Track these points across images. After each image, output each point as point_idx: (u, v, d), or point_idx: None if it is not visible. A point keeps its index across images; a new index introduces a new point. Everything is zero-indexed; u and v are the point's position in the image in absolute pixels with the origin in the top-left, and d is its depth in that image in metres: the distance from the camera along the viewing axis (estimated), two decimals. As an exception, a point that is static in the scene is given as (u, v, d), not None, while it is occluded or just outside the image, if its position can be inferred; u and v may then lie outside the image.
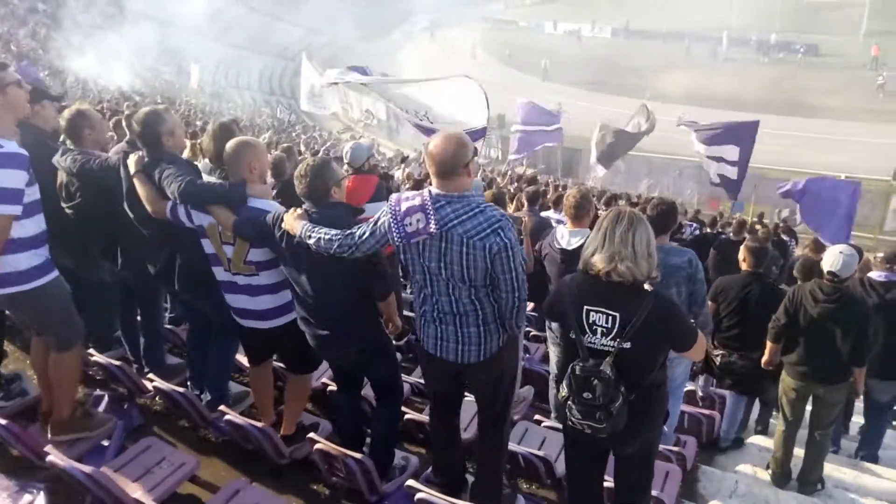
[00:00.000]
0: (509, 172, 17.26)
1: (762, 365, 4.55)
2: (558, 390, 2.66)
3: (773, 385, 4.76)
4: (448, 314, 2.78)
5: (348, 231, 2.79)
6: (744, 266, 4.93)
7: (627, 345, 2.47)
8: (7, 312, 3.72)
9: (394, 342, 3.57)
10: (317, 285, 3.04)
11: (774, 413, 5.28)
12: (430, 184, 2.70)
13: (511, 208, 7.75)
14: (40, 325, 3.32)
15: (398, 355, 4.55)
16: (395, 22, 47.12)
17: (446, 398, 3.20)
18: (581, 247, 2.74)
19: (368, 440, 3.52)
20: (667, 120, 24.56)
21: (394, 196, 2.74)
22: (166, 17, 36.67)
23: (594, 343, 2.54)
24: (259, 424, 3.35)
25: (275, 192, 4.58)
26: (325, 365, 3.87)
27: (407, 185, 9.26)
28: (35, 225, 3.01)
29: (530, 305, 5.43)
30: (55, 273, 3.14)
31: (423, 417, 3.78)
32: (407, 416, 3.79)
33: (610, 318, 2.49)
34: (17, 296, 3.00)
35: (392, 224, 2.65)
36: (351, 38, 41.47)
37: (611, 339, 2.50)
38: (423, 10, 49.51)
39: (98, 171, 3.54)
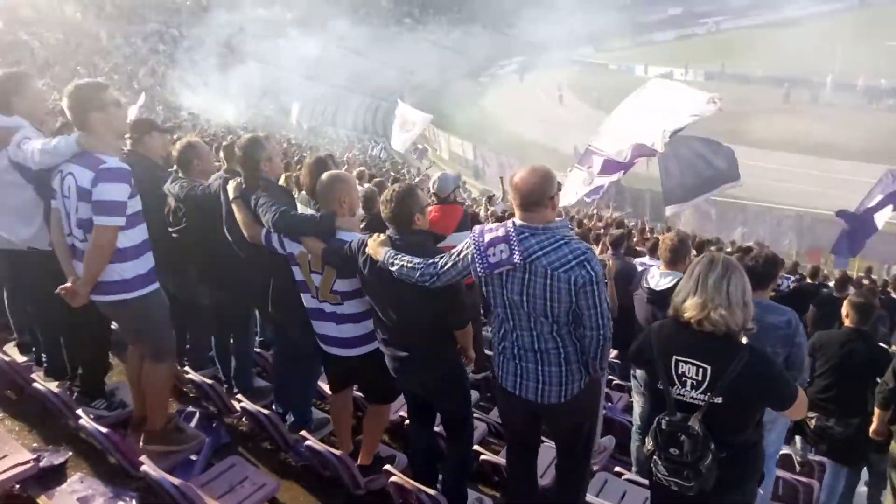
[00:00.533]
0: (595, 213, 17.00)
1: (871, 434, 4.19)
2: (642, 443, 2.57)
3: (882, 456, 4.37)
4: (528, 351, 2.75)
5: (431, 260, 2.82)
6: (847, 322, 4.59)
7: (719, 400, 2.35)
8: (113, 326, 3.99)
9: (470, 378, 3.56)
10: (397, 310, 3.09)
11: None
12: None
13: (596, 250, 7.63)
14: (138, 333, 3.49)
15: (475, 393, 4.53)
16: (485, 65, 48.04)
17: (524, 439, 3.14)
18: (671, 288, 2.66)
19: (441, 476, 3.50)
20: (765, 167, 23.75)
21: (477, 227, 2.76)
22: (271, 59, 39.09)
23: (683, 396, 2.44)
24: (337, 452, 3.41)
25: (363, 224, 4.73)
26: (402, 398, 3.91)
27: (490, 222, 9.32)
28: (138, 234, 3.20)
29: (613, 353, 5.30)
30: (157, 285, 3.33)
31: (500, 459, 3.73)
32: (482, 457, 3.75)
33: (701, 370, 2.39)
34: (121, 303, 3.20)
35: (475, 255, 2.66)
36: (442, 81, 42.62)
37: (701, 393, 2.39)
38: (514, 54, 50.38)
39: (201, 197, 3.79)
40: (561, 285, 2.55)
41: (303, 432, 3.54)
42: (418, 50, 46.06)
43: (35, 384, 3.78)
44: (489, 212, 11.23)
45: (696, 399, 2.40)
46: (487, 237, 2.65)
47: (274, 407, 4.02)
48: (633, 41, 52.41)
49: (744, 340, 2.43)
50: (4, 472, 3.09)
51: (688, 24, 55.58)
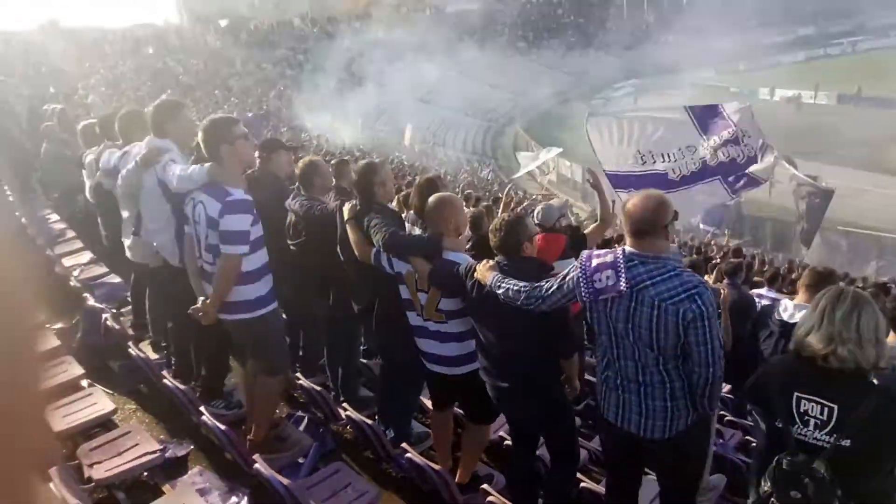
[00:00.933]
0: (712, 242, 16.21)
1: None
2: (758, 484, 2.41)
3: None
4: (632, 382, 2.66)
5: (536, 284, 2.81)
6: None
7: (846, 442, 2.17)
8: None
9: (573, 406, 3.51)
10: (501, 337, 3.10)
11: None
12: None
13: (710, 279, 7.29)
14: (255, 349, 3.75)
15: (577, 419, 4.45)
16: (598, 88, 47.40)
17: (625, 472, 3.05)
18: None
19: (541, 501, 3.45)
20: (904, 196, 21.76)
21: (585, 252, 2.73)
22: (388, 82, 40.64)
23: (805, 436, 2.26)
24: (437, 467, 3.45)
25: (469, 244, 4.81)
26: (503, 417, 3.90)
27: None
28: (259, 259, 3.45)
29: (726, 387, 5.02)
30: (275, 304, 3.58)
31: (600, 488, 3.63)
32: (583, 485, 3.66)
33: (826, 409, 2.21)
34: (243, 322, 3.46)
35: (581, 279, 2.63)
36: (553, 103, 42.49)
37: (826, 434, 2.21)
38: (629, 77, 49.38)
39: (320, 216, 4.00)
40: (668, 318, 2.46)
41: (404, 445, 3.62)
42: (531, 73, 46.29)
43: (165, 381, 4.11)
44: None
45: (819, 440, 2.23)
46: (594, 262, 2.61)
47: (377, 419, 4.14)
48: (758, 63, 49.89)
49: (875, 381, 2.24)
50: (135, 459, 3.38)
51: (820, 45, 52.27)
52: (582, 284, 2.62)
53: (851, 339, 2.18)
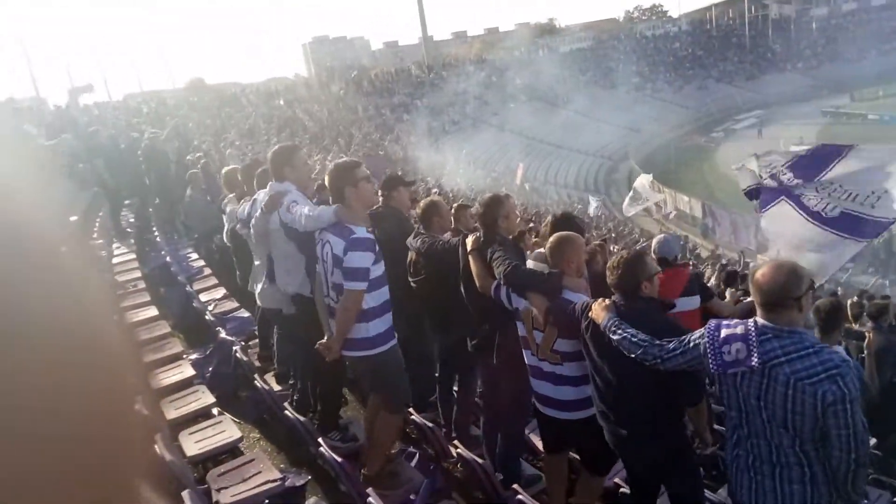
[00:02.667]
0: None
1: None
2: None
3: None
4: (766, 463, 2.48)
5: (658, 342, 2.68)
6: None
7: None
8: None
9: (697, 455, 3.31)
10: (617, 381, 2.99)
11: None
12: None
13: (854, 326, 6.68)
14: (375, 385, 3.86)
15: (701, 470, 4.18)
16: (719, 120, 45.55)
17: None
18: None
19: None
20: None
21: (713, 321, 2.59)
22: (499, 122, 41.30)
23: None
24: (548, 513, 3.36)
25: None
26: (620, 463, 3.75)
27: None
28: (380, 296, 3.56)
29: (872, 441, 4.54)
30: (394, 341, 3.68)
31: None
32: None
33: None
34: (364, 359, 3.58)
35: (709, 349, 2.49)
36: (669, 137, 41.23)
37: None
38: (751, 108, 47.11)
39: (441, 251, 4.10)
40: (806, 398, 2.28)
41: (515, 486, 3.55)
42: (646, 109, 45.36)
43: (286, 412, 4.31)
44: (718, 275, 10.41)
45: None
46: (724, 332, 2.47)
47: (485, 458, 4.10)
48: (899, 88, 45.94)
49: None
50: (258, 486, 3.55)
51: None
52: (710, 355, 2.48)
53: None
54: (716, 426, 4.83)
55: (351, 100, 39.23)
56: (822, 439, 2.33)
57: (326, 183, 3.62)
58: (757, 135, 39.58)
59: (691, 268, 8.07)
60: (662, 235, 5.22)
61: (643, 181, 19.31)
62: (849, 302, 9.50)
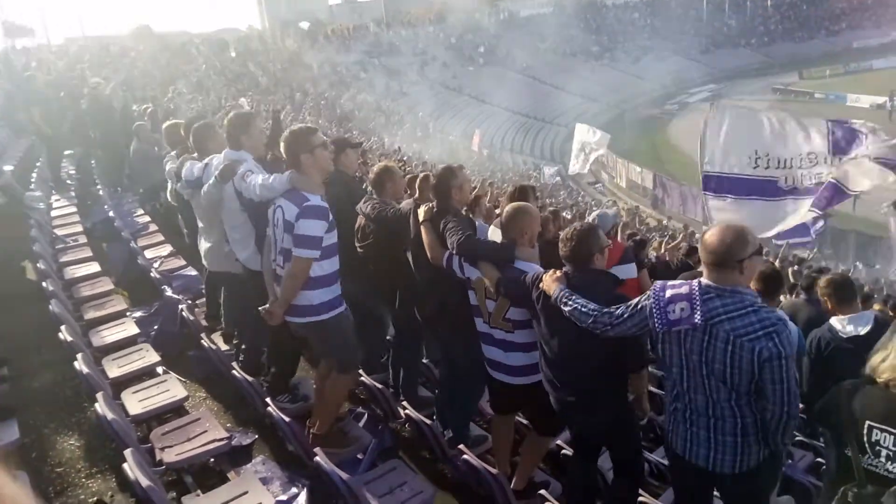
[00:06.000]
0: (790, 256, 15.43)
1: None
2: None
3: None
4: (702, 416, 2.59)
5: (606, 309, 2.74)
6: None
7: None
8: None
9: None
10: (566, 349, 3.05)
11: None
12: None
13: (789, 299, 6.97)
14: (325, 350, 3.86)
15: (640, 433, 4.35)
16: (673, 93, 46.16)
17: (693, 502, 2.97)
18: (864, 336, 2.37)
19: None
20: None
21: (659, 282, 2.65)
22: (457, 86, 40.93)
23: (876, 467, 2.14)
24: (494, 471, 3.45)
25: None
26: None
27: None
28: (330, 266, 3.52)
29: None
30: (342, 307, 3.66)
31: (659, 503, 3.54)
32: (641, 500, 3.57)
33: None
34: (310, 325, 3.56)
35: (654, 309, 2.56)
36: (625, 107, 41.65)
37: None
38: (707, 81, 47.86)
39: (392, 218, 4.06)
40: (744, 354, 2.38)
41: (461, 446, 3.63)
42: (602, 78, 45.59)
43: (234, 372, 4.27)
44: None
45: (891, 473, 2.10)
46: (669, 293, 2.55)
47: (435, 419, 4.17)
48: (846, 68, 47.39)
49: None
50: (204, 445, 3.54)
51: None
52: (655, 315, 2.56)
53: None
54: (652, 388, 5.03)
55: (306, 55, 38.13)
56: (757, 393, 2.45)
57: (282, 149, 3.52)
58: (709, 107, 40.28)
59: (639, 238, 8.29)
60: (599, 210, 5.38)
61: (581, 129, 19.24)
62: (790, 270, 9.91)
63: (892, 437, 2.11)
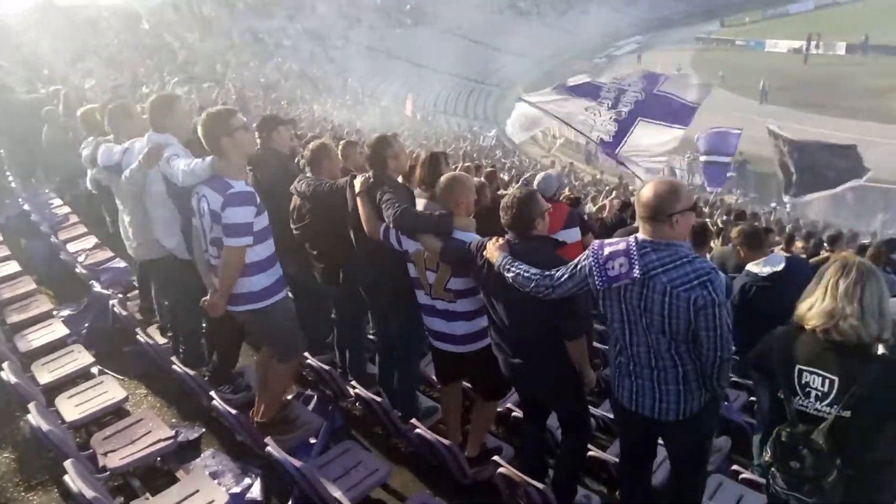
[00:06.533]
0: (717, 203, 16.05)
1: None
2: (761, 453, 2.44)
3: None
4: (645, 368, 2.69)
5: (547, 272, 2.78)
6: None
7: (847, 413, 2.18)
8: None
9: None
10: (512, 315, 3.10)
11: None
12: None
13: (717, 244, 7.24)
14: (266, 338, 3.77)
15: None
16: (601, 47, 46.60)
17: (639, 453, 3.09)
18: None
19: (551, 472, 3.50)
20: (914, 147, 21.46)
21: (597, 241, 2.71)
22: (386, 48, 40.10)
23: (806, 407, 2.28)
24: (446, 442, 3.49)
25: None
26: (512, 389, 3.93)
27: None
28: (265, 249, 3.42)
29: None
30: (283, 293, 3.57)
31: (608, 456, 3.67)
32: (590, 454, 3.70)
33: (827, 381, 2.22)
34: (251, 312, 3.47)
35: (594, 267, 2.62)
36: (554, 63, 41.81)
37: (826, 405, 2.23)
38: (631, 34, 48.47)
39: (328, 193, 3.96)
40: (680, 304, 2.47)
41: (413, 420, 3.65)
42: (531, 34, 45.50)
43: (174, 366, 4.15)
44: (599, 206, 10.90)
45: (820, 412, 2.24)
46: (607, 250, 2.60)
47: (383, 396, 4.17)
48: (763, 14, 48.84)
49: (880, 350, 2.23)
50: (149, 446, 3.44)
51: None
52: (595, 273, 2.62)
53: (854, 313, 2.18)
54: (595, 344, 5.18)
55: (224, 23, 36.50)
56: (694, 340, 2.55)
57: (200, 134, 3.34)
58: (637, 60, 40.99)
59: (574, 196, 8.41)
60: (543, 173, 5.38)
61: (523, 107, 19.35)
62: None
63: (820, 378, 2.24)
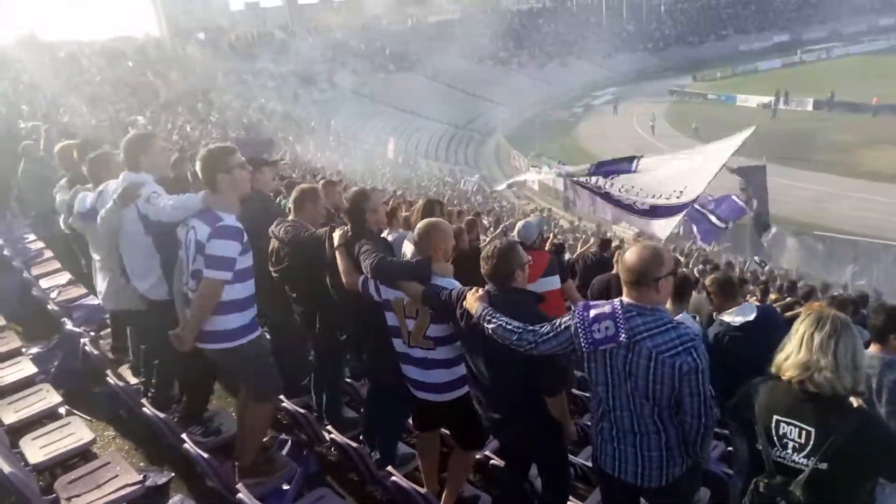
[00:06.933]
0: (692, 252, 16.29)
1: None
2: (740, 501, 2.44)
3: None
4: (628, 433, 2.68)
5: (531, 327, 2.76)
6: None
7: (824, 465, 2.19)
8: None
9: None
10: (490, 367, 3.07)
11: None
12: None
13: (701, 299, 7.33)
14: (241, 375, 3.70)
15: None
16: (578, 97, 47.83)
17: None
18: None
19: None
20: (879, 200, 22.13)
21: (582, 302, 2.73)
22: (369, 93, 40.71)
23: (784, 458, 2.29)
24: (422, 490, 3.43)
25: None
26: (491, 437, 3.89)
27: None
28: (245, 290, 3.39)
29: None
30: (258, 332, 3.53)
31: (587, 508, 3.64)
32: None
33: (804, 432, 2.24)
34: (225, 351, 3.42)
35: (579, 329, 2.61)
36: (534, 111, 42.73)
37: (804, 457, 2.24)
38: (608, 85, 49.90)
39: (307, 240, 3.97)
40: (665, 370, 2.48)
41: (389, 467, 3.59)
42: (511, 83, 46.61)
43: (144, 408, 4.04)
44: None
45: (797, 463, 2.26)
46: (593, 312, 2.60)
47: (361, 441, 4.11)
48: (734, 70, 50.69)
49: (854, 403, 2.27)
50: (115, 491, 3.32)
51: (795, 52, 53.31)
52: (581, 334, 2.61)
53: (828, 366, 2.20)
54: (575, 391, 5.17)
55: (209, 63, 36.85)
56: (677, 407, 2.56)
57: (198, 169, 3.35)
58: (613, 111, 42.09)
59: (558, 242, 8.54)
60: (524, 221, 5.42)
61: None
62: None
63: (797, 429, 2.25)
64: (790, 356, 2.30)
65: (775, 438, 2.31)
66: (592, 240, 10.77)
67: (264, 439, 3.89)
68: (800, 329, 2.32)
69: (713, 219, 13.26)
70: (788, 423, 2.28)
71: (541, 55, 53.00)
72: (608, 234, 13.71)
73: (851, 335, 2.26)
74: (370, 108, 39.29)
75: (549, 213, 22.21)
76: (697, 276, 9.43)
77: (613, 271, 6.16)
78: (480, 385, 3.17)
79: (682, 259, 13.87)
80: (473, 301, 2.96)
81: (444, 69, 45.87)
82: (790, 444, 2.27)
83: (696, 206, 9.79)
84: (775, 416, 2.31)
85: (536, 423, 3.12)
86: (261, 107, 32.09)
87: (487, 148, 38.36)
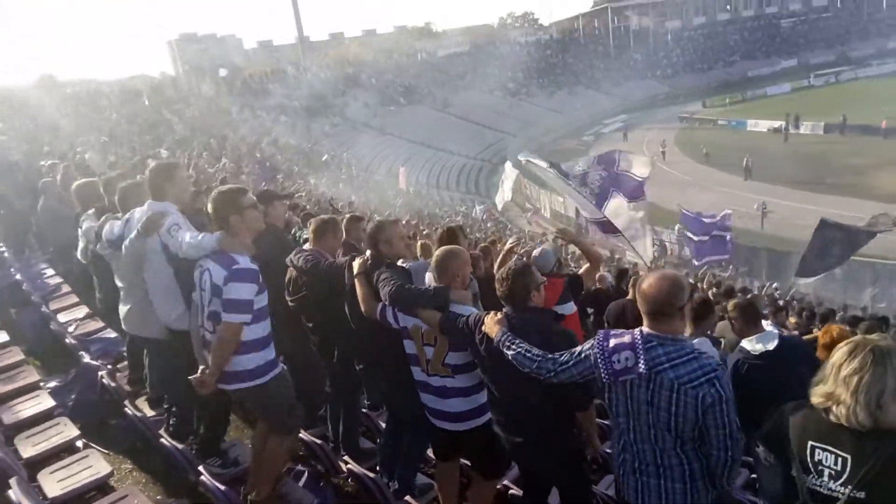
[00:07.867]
0: (707, 277, 16.16)
1: None
2: None
3: None
4: (650, 465, 2.62)
5: (550, 355, 2.74)
6: None
7: (861, 494, 2.08)
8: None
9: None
10: (512, 391, 3.05)
11: None
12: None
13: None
14: (261, 411, 3.69)
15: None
16: (588, 124, 48.14)
17: None
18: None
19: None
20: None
21: (602, 331, 2.68)
22: (380, 125, 41.22)
23: (819, 486, 2.17)
24: (441, 522, 3.37)
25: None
26: (512, 465, 3.82)
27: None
28: (262, 329, 3.40)
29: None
30: (278, 369, 3.53)
31: (609, 537, 3.55)
32: (591, 534, 3.58)
33: (840, 459, 2.13)
34: (246, 391, 3.41)
35: (599, 360, 2.57)
36: (545, 140, 43.03)
37: (840, 485, 2.12)
38: (619, 112, 50.22)
39: (326, 270, 3.98)
40: (688, 401, 2.42)
41: (407, 498, 3.54)
42: (521, 113, 47.05)
43: (161, 440, 4.03)
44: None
45: (834, 491, 2.14)
46: (612, 342, 2.56)
47: (379, 471, 4.06)
48: (743, 96, 50.91)
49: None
50: (134, 525, 3.29)
51: (807, 76, 53.49)
52: (601, 365, 2.57)
53: (845, 401, 2.10)
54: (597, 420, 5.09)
55: (224, 100, 37.55)
56: (701, 438, 2.49)
57: (209, 209, 3.39)
58: (623, 138, 42.28)
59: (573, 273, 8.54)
60: (539, 248, 5.42)
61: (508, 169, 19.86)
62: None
63: (833, 456, 2.14)
64: (820, 383, 2.21)
65: (810, 465, 2.19)
66: (607, 274, 10.68)
67: (280, 473, 3.86)
68: (834, 357, 2.21)
69: (689, 234, 13.33)
70: (824, 450, 2.17)
71: (550, 85, 53.55)
72: (624, 263, 13.61)
73: (883, 372, 2.09)
74: (381, 141, 39.75)
75: (560, 245, 22.11)
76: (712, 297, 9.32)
77: (629, 296, 6.12)
78: (502, 409, 3.14)
79: (698, 285, 13.75)
80: (492, 325, 2.95)
81: (453, 101, 46.46)
82: (826, 472, 2.15)
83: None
84: (810, 442, 2.20)
85: (560, 448, 3.08)
86: (274, 141, 32.54)
87: (499, 177, 38.50)
